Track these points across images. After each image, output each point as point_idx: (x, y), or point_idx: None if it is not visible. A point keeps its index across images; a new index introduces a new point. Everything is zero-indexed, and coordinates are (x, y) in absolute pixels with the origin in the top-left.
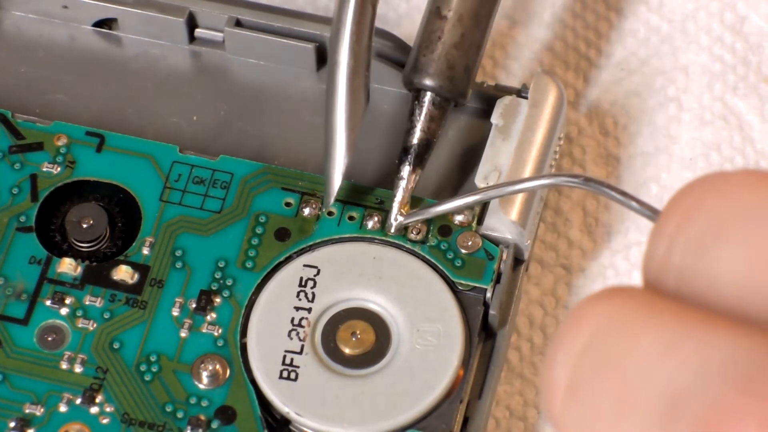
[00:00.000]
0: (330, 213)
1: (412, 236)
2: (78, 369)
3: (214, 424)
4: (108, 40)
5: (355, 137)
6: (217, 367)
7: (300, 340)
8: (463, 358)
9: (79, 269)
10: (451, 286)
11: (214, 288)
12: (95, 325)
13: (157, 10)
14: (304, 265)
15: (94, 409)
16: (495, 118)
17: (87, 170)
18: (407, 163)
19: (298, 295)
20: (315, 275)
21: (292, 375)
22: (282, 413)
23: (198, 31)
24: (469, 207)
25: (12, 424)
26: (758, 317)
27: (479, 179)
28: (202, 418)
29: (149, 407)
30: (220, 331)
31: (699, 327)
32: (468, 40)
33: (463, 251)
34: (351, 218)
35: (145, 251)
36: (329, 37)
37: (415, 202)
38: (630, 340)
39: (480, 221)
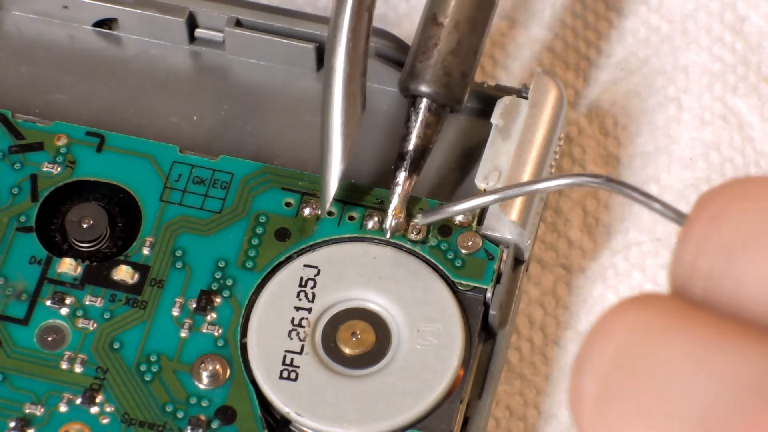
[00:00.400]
0: (330, 213)
1: (412, 236)
2: (78, 369)
3: (214, 424)
4: (108, 40)
5: (351, 143)
6: (217, 367)
7: (300, 340)
8: (463, 358)
9: (79, 269)
10: (451, 286)
11: (214, 288)
12: (95, 325)
13: (157, 10)
14: (304, 265)
15: (94, 409)
16: (495, 119)
17: (87, 170)
18: (403, 169)
19: (298, 295)
20: (315, 275)
21: (292, 375)
22: (282, 413)
23: (198, 31)
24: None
25: (12, 424)
26: None
27: (479, 179)
28: (202, 418)
29: (149, 407)
30: (220, 331)
31: (730, 338)
32: (464, 47)
33: (464, 251)
34: (351, 218)
35: (146, 251)
36: (326, 42)
37: (416, 202)
38: (660, 351)
39: (480, 221)
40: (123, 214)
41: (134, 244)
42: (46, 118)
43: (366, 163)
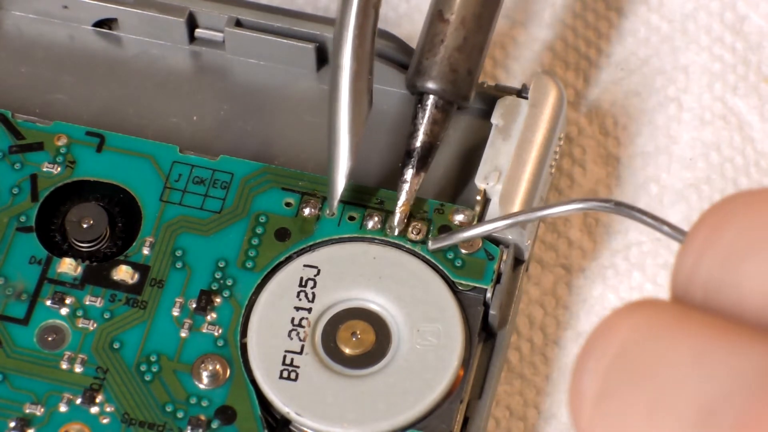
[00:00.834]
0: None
1: (412, 236)
2: (78, 369)
3: (214, 424)
4: (108, 40)
5: (358, 141)
6: (217, 367)
7: (300, 340)
8: (463, 358)
9: (79, 269)
10: (451, 286)
11: (214, 288)
12: (95, 325)
13: (157, 10)
14: (305, 265)
15: (94, 409)
16: (495, 119)
17: (87, 170)
18: (411, 167)
19: (298, 295)
20: (315, 275)
21: (292, 375)
22: (282, 413)
23: (198, 31)
24: (498, 231)
25: (12, 424)
26: None
27: (479, 179)
28: (202, 418)
29: (149, 407)
30: (220, 331)
31: (729, 337)
32: (471, 43)
33: (463, 251)
34: (351, 218)
35: (146, 251)
36: (332, 40)
37: (416, 203)
38: (661, 350)
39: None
40: (123, 214)
41: (134, 244)
42: (46, 118)
43: (367, 163)
